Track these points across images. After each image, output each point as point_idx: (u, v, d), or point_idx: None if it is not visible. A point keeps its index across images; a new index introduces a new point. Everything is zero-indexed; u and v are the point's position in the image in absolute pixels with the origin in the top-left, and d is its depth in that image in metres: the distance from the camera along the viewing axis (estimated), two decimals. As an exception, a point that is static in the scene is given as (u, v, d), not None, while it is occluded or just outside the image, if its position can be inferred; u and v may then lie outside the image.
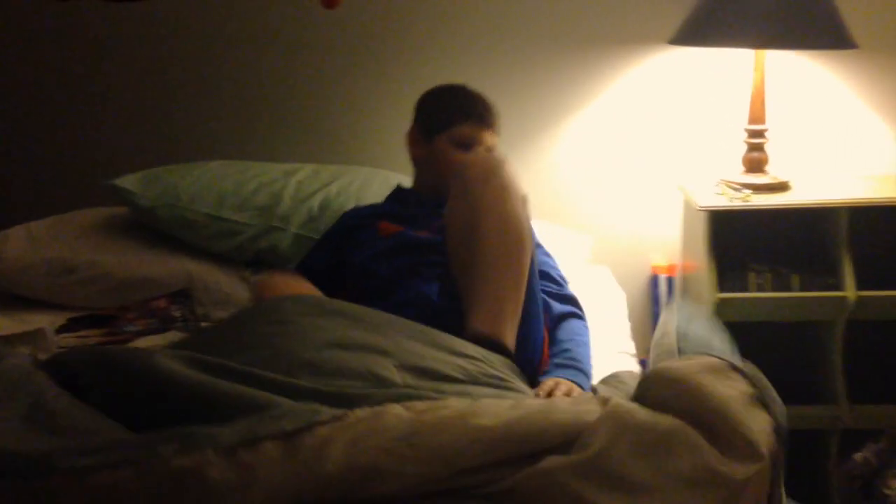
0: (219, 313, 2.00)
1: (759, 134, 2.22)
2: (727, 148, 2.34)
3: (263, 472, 1.01)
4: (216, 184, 2.17)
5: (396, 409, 1.14)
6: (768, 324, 2.20)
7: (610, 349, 1.95)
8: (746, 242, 2.26)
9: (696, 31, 2.14)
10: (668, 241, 2.48)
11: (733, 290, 2.12)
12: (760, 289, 2.13)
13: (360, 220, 1.95)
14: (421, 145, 1.95)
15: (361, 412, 1.12)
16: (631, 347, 2.00)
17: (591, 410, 1.18)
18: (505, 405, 1.19)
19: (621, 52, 2.39)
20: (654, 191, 2.46)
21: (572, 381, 1.56)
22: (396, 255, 1.80)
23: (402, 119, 2.01)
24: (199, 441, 1.02)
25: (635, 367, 1.89)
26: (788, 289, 2.12)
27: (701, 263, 2.17)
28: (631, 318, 2.19)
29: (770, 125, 2.22)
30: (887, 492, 2.13)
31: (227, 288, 2.07)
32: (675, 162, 2.43)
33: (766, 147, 2.23)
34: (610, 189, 2.48)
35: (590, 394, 1.52)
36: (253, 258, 2.13)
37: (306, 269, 1.91)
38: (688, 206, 2.33)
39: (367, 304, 1.53)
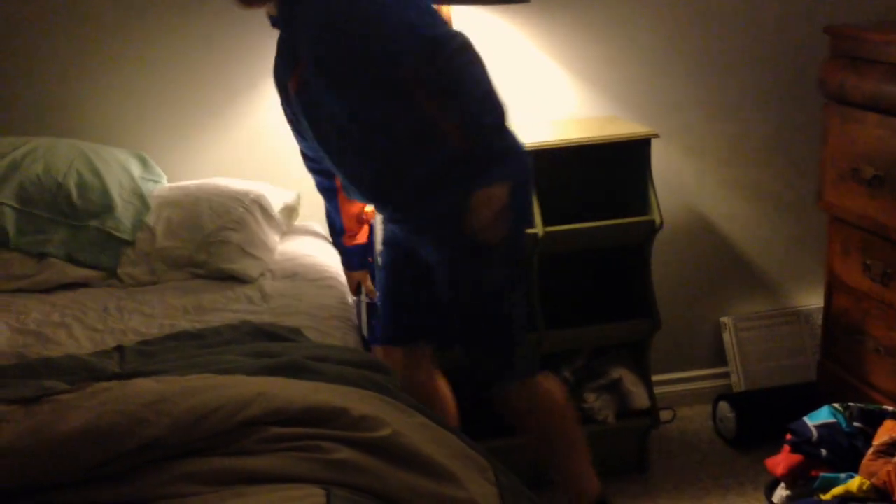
0: None
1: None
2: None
3: (6, 429, 1.20)
4: None
5: (145, 382, 1.29)
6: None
7: (328, 303, 2.03)
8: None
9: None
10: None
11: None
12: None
13: (281, 86, 1.96)
14: None
15: (108, 383, 1.28)
16: (347, 298, 2.09)
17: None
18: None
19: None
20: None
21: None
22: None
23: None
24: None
25: (350, 318, 1.99)
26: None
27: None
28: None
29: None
30: (585, 406, 2.43)
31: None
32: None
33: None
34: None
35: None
36: None
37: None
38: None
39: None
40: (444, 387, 2.13)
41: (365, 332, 2.27)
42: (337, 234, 2.24)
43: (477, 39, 2.43)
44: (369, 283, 2.30)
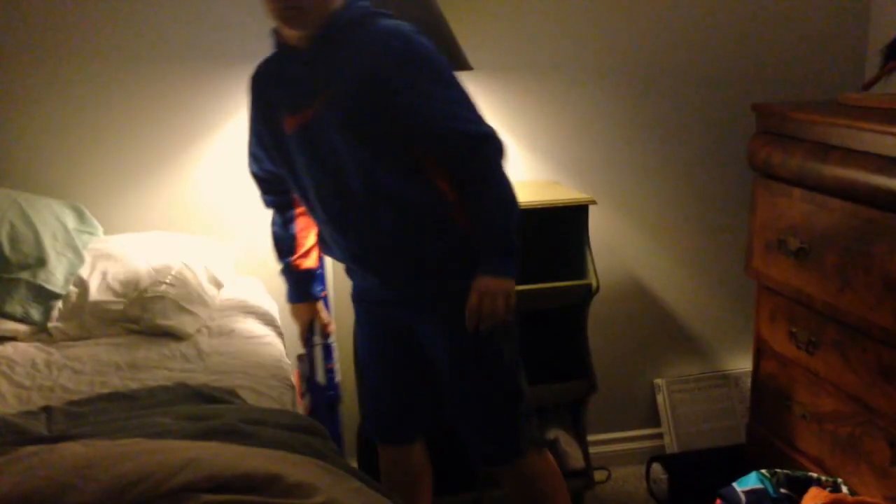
0: None
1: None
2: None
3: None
4: None
5: (73, 446, 1.26)
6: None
7: (264, 358, 2.01)
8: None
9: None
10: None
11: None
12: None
13: (269, 112, 1.83)
14: None
15: (34, 447, 1.25)
16: (284, 358, 2.08)
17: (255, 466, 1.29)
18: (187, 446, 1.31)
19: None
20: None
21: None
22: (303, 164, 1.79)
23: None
24: None
25: (286, 378, 1.97)
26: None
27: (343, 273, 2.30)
28: (285, 327, 2.26)
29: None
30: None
31: None
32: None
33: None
34: (255, 202, 2.54)
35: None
36: None
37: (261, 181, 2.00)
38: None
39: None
40: (429, 475, 2.10)
41: (321, 378, 2.14)
42: (285, 254, 2.04)
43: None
44: (324, 314, 2.11)
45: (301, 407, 2.03)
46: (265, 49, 2.43)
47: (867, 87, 2.43)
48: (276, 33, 1.78)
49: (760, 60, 2.77)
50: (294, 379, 2.03)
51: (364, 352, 2.03)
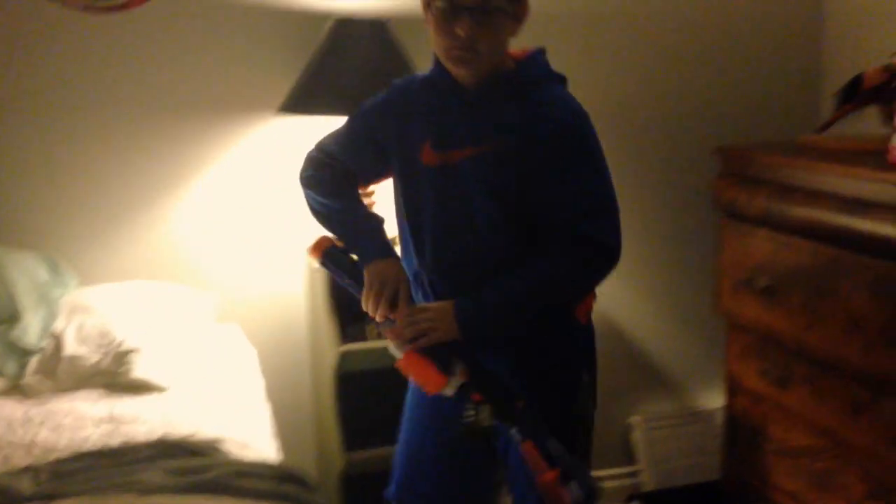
0: None
1: (367, 194, 2.44)
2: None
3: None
4: None
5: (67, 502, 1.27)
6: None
7: (245, 407, 2.01)
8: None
9: (300, 102, 2.33)
10: (295, 296, 2.60)
11: (354, 342, 2.31)
12: (380, 337, 2.34)
13: (405, 129, 1.69)
14: (426, 8, 1.64)
15: None
16: (265, 406, 2.08)
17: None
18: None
19: (236, 120, 2.51)
20: (278, 248, 2.58)
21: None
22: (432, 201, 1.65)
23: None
24: None
25: (268, 426, 1.98)
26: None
27: (323, 320, 2.32)
28: (265, 374, 2.27)
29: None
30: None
31: None
32: (298, 222, 2.58)
33: (375, 209, 2.46)
34: (234, 249, 2.56)
35: None
36: None
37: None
38: (310, 264, 2.48)
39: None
40: None
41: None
42: (347, 198, 1.76)
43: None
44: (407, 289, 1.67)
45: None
46: (243, 98, 2.50)
47: (824, 128, 2.52)
48: (439, 62, 1.69)
49: (719, 104, 2.86)
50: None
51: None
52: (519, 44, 1.70)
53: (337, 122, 2.44)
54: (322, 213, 1.77)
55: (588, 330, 1.81)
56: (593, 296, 1.80)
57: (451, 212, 1.66)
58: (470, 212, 1.64)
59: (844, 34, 2.83)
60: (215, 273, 2.55)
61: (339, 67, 2.31)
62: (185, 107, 2.47)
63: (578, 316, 1.75)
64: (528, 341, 1.68)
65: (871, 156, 2.16)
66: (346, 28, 2.35)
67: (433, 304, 1.65)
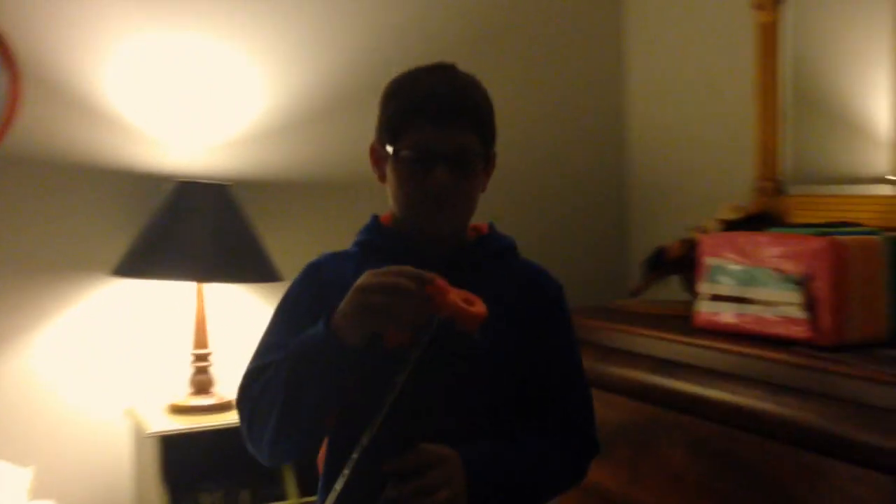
0: None
1: (204, 357, 2.41)
2: (175, 372, 2.47)
3: None
4: None
5: None
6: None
7: None
8: (200, 463, 2.37)
9: (138, 264, 2.31)
10: (120, 467, 2.47)
11: (186, 514, 2.20)
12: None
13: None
14: (382, 161, 1.46)
15: None
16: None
17: None
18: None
19: (65, 282, 2.45)
20: (101, 418, 2.47)
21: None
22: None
23: None
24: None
25: None
26: (238, 505, 2.27)
27: (152, 490, 2.20)
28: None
29: (213, 349, 2.42)
30: None
31: None
32: (123, 388, 2.48)
33: (211, 370, 2.42)
34: (54, 419, 2.41)
35: None
36: None
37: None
38: (138, 432, 2.37)
39: None
40: None
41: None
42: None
43: (232, 312, 2.53)
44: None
45: None
46: (73, 260, 2.42)
47: (635, 294, 2.75)
48: (382, 228, 1.52)
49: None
50: None
51: None
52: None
53: (179, 286, 2.44)
54: (278, 404, 1.31)
55: None
56: None
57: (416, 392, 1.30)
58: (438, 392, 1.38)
59: (646, 207, 3.17)
60: (32, 446, 2.38)
61: (179, 230, 2.32)
62: (10, 267, 2.38)
63: None
64: None
65: (678, 319, 2.38)
66: (188, 190, 2.39)
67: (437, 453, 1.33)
